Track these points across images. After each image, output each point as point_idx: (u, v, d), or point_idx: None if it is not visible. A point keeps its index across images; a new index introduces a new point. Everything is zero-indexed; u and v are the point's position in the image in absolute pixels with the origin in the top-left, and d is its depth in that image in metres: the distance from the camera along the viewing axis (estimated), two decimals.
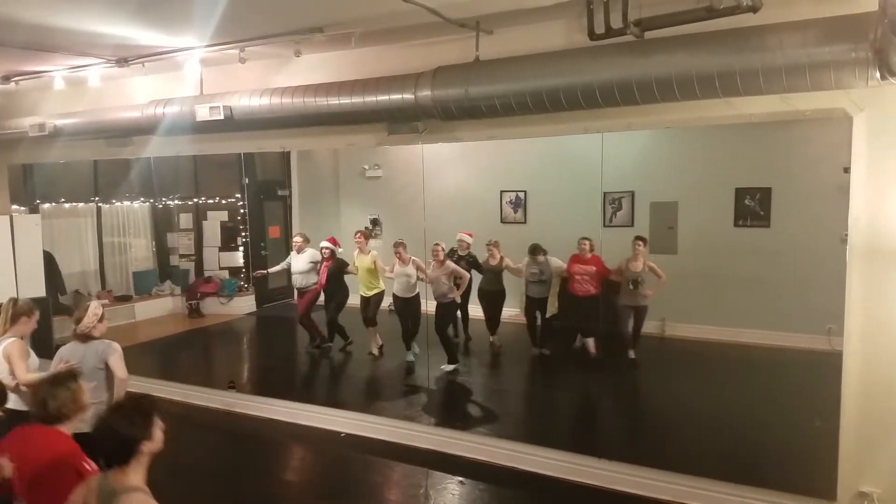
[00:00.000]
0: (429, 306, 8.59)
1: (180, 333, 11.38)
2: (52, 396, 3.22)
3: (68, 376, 3.37)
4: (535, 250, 8.63)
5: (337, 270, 9.20)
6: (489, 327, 9.29)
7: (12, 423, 3.99)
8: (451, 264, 8.31)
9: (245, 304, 12.57)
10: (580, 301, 8.46)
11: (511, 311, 9.51)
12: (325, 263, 9.23)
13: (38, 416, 3.25)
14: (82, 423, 3.34)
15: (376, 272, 8.91)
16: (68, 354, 4.56)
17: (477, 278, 9.15)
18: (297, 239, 9.50)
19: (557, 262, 8.75)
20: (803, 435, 6.02)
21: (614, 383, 8.19)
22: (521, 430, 6.74)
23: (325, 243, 9.26)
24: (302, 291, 9.45)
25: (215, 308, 12.41)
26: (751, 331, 9.04)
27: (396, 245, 8.54)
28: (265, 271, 10.24)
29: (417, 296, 8.69)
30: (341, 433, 6.91)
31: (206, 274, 12.73)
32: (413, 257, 8.57)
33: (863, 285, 4.57)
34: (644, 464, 5.54)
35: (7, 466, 3.05)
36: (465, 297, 9.12)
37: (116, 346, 4.64)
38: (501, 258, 8.98)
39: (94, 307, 4.65)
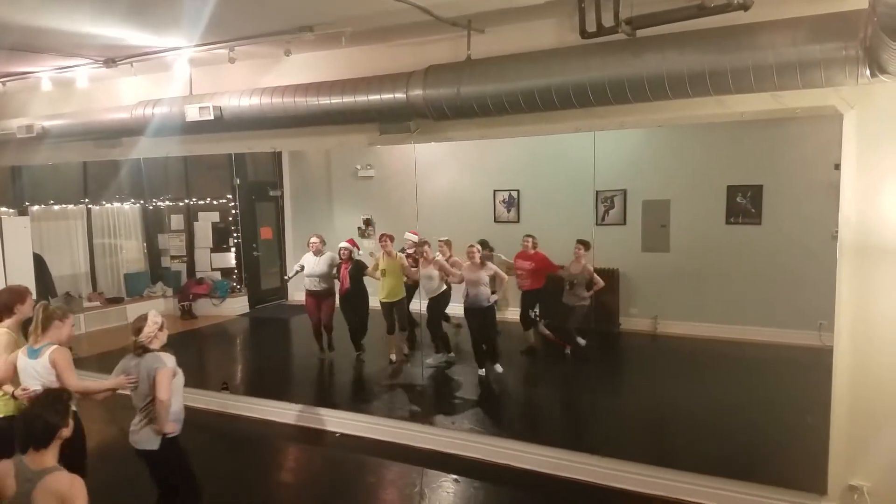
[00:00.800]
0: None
1: (173, 335, 10.98)
2: None
3: None
4: (481, 246, 8.55)
5: (357, 273, 8.80)
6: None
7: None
8: (492, 266, 7.90)
9: (238, 306, 12.52)
10: (523, 295, 8.87)
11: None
12: (344, 266, 8.82)
13: None
14: None
15: (402, 276, 8.59)
16: (123, 368, 4.33)
17: None
18: (314, 240, 8.93)
19: (503, 259, 8.78)
20: (794, 430, 6.06)
21: (601, 380, 8.23)
22: (513, 427, 6.75)
23: (343, 244, 8.87)
24: (318, 295, 8.94)
25: (208, 309, 12.36)
26: (742, 327, 9.09)
27: (421, 245, 8.35)
28: (291, 276, 9.72)
29: (443, 294, 8.48)
30: (336, 433, 6.90)
31: (198, 275, 12.68)
32: (437, 257, 8.30)
33: (853, 282, 4.60)
34: (636, 460, 5.56)
35: None
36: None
37: (167, 361, 4.27)
38: (450, 256, 8.61)
39: (154, 316, 4.35)
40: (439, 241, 8.69)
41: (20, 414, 3.08)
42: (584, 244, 8.39)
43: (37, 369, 4.34)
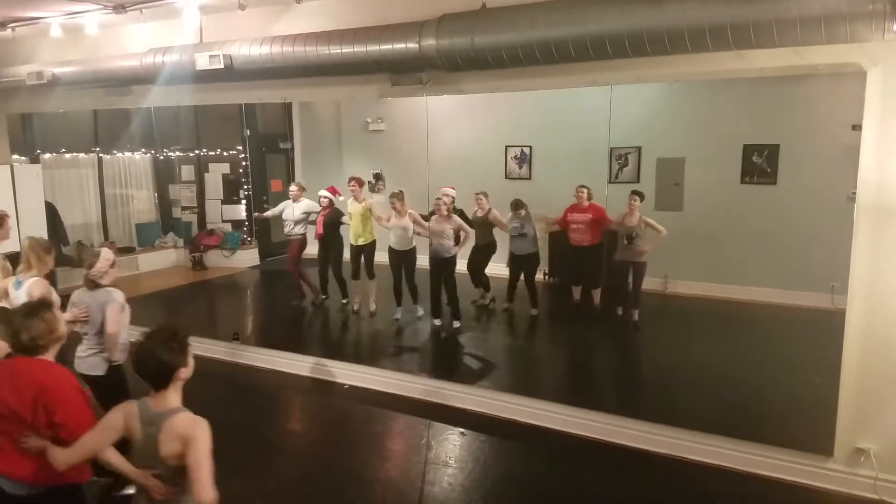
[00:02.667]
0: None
1: (184, 285, 11.43)
2: (26, 328, 3.13)
3: (41, 306, 3.27)
4: (516, 205, 8.46)
5: (333, 220, 9.07)
6: (475, 282, 9.13)
7: None
8: (456, 218, 8.08)
9: (248, 258, 12.58)
10: (577, 252, 8.49)
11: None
12: (322, 212, 9.11)
13: (16, 347, 3.19)
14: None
15: (369, 221, 8.75)
16: (77, 300, 4.64)
17: None
18: (293, 188, 9.44)
19: (542, 215, 8.61)
20: (803, 392, 6.07)
21: (613, 338, 8.24)
22: (517, 384, 6.80)
23: (323, 192, 9.12)
24: (292, 240, 9.49)
25: (218, 261, 12.44)
26: (754, 288, 9.05)
27: (392, 196, 8.34)
28: (263, 214, 10.13)
29: (413, 250, 8.47)
30: (344, 385, 6.97)
31: (209, 227, 12.72)
32: (410, 210, 8.35)
33: (869, 244, 4.54)
34: (642, 417, 5.59)
35: None
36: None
37: (118, 296, 4.62)
38: (489, 210, 8.68)
39: (106, 254, 4.65)
40: (476, 193, 8.70)
41: (134, 352, 2.86)
42: (640, 195, 8.03)
43: (21, 301, 4.53)
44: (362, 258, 8.88)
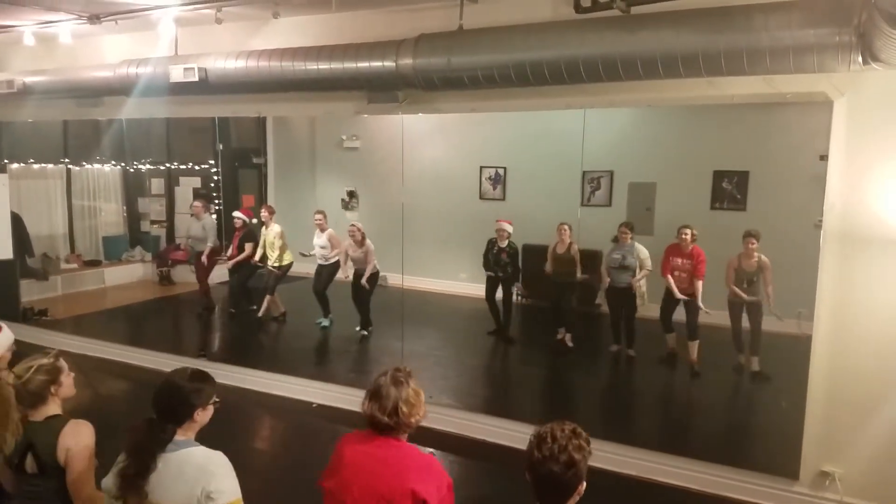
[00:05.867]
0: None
1: (150, 300, 11.24)
2: (403, 400, 2.56)
3: (406, 374, 2.67)
4: (629, 228, 7.85)
5: (246, 241, 9.66)
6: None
7: None
8: (369, 244, 8.61)
9: (216, 273, 12.33)
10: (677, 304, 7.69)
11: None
12: (236, 234, 9.58)
13: (382, 426, 2.60)
14: None
15: (276, 246, 9.29)
16: None
17: None
18: (196, 203, 9.99)
19: (644, 250, 8.01)
20: (770, 416, 6.12)
21: (571, 360, 8.25)
22: (489, 404, 6.77)
23: (237, 213, 9.68)
24: (198, 255, 10.00)
25: (186, 276, 12.19)
26: (722, 312, 9.12)
27: (317, 213, 9.14)
28: (188, 243, 10.55)
29: (332, 265, 9.04)
30: (313, 404, 6.88)
31: (178, 241, 12.52)
32: (330, 229, 9.04)
33: (835, 270, 4.64)
34: (610, 439, 5.58)
35: None
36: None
37: None
38: (571, 244, 8.12)
39: None
40: (561, 223, 8.35)
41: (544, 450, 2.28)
42: (755, 235, 7.16)
43: None
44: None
